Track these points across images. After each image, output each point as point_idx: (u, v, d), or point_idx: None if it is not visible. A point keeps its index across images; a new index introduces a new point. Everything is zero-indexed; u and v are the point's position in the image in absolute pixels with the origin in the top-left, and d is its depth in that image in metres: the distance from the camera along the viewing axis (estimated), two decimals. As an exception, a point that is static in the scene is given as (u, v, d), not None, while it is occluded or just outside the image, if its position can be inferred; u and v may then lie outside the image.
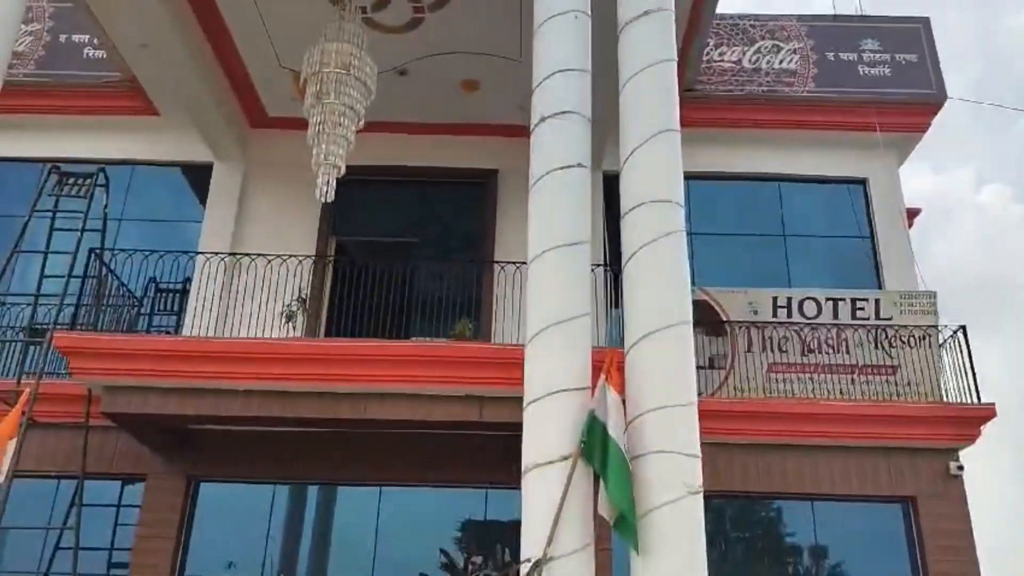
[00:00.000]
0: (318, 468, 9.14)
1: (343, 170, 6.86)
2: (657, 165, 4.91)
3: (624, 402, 4.57)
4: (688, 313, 4.69)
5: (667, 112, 5.04)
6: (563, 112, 5.00)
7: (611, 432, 4.39)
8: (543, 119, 5.03)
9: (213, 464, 9.15)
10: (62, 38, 11.36)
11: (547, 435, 4.42)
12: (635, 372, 4.55)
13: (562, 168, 4.83)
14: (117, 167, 10.57)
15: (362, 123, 7.08)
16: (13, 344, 9.42)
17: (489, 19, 9.11)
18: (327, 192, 6.70)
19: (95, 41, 10.83)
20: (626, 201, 4.93)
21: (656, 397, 4.48)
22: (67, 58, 11.10)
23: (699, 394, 9.10)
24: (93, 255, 8.93)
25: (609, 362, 4.55)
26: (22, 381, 8.31)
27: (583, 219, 4.78)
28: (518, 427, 4.83)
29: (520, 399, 4.83)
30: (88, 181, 9.16)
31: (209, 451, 9.08)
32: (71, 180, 9.16)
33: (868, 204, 10.70)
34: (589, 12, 5.35)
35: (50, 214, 9.01)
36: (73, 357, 8.14)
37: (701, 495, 4.66)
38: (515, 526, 4.75)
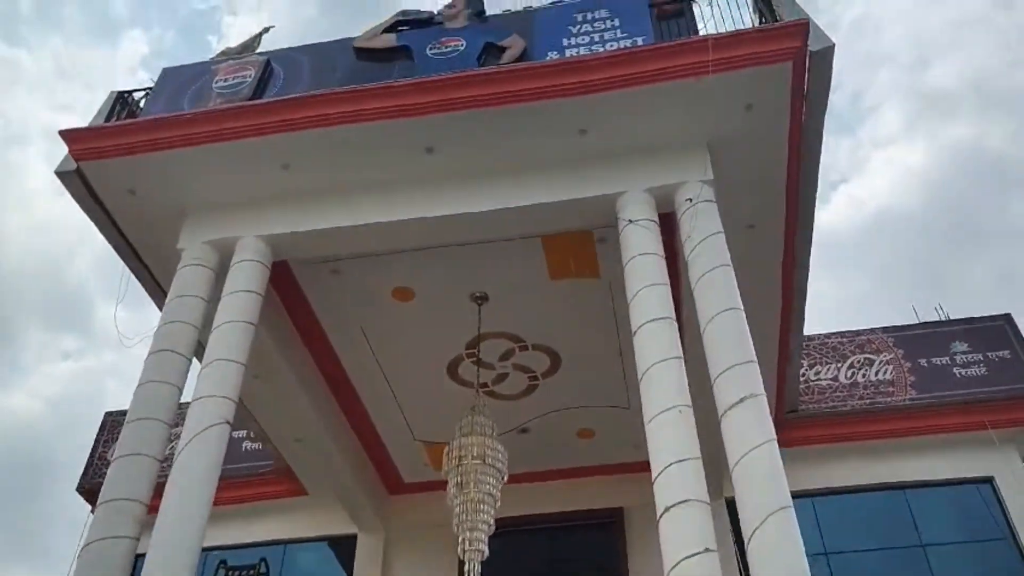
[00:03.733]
0: None
1: (486, 554, 7.51)
2: (779, 544, 5.35)
3: None
4: None
5: (779, 490, 5.57)
6: (685, 501, 5.61)
7: None
8: (667, 509, 5.63)
9: None
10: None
11: None
12: None
13: (689, 556, 5.34)
14: (273, 547, 11.55)
15: (499, 504, 7.84)
16: None
17: (595, 376, 10.15)
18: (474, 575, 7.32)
19: (251, 435, 12.34)
20: (754, 572, 5.34)
21: None
22: (230, 453, 12.54)
23: None
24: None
25: None
26: None
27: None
28: None
29: None
30: (252, 571, 10.02)
31: None
32: (237, 572, 10.05)
33: (1000, 503, 10.53)
34: (690, 404, 6.15)
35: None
36: None
37: None
38: None
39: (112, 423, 13.10)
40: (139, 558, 6.46)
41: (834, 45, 7.21)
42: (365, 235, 7.92)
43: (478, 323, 9.01)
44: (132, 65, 41.72)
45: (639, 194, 7.43)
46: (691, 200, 7.23)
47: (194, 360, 7.44)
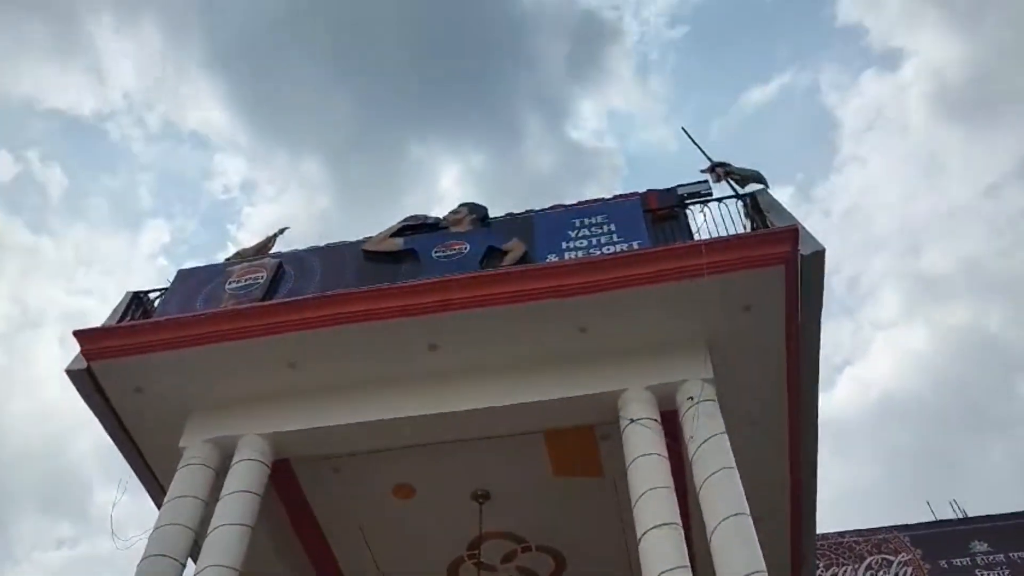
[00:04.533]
0: None
1: None
2: None
3: None
4: None
5: None
6: None
7: None
8: None
9: None
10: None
11: None
12: None
13: None
14: None
15: None
16: None
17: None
18: None
19: None
20: None
21: None
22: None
23: None
24: None
25: None
26: None
27: None
28: None
29: None
30: None
31: None
32: None
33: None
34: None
35: None
36: None
37: None
38: None
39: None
40: None
41: (824, 249, 7.49)
42: (368, 432, 7.93)
43: (479, 522, 8.80)
44: (152, 252, 43.39)
45: (640, 392, 7.48)
46: (693, 399, 7.26)
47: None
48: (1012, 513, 11.48)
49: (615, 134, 45.21)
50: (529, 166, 41.50)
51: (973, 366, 34.46)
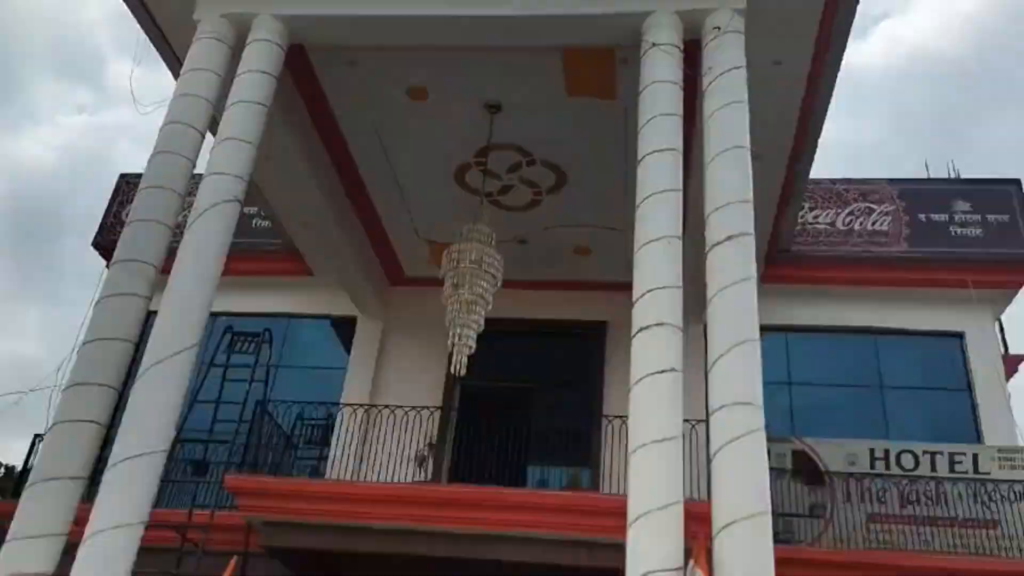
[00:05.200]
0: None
1: (473, 348, 8.07)
2: (738, 371, 5.79)
3: (711, 580, 5.32)
4: (766, 504, 5.44)
5: (748, 324, 5.93)
6: (659, 324, 6.01)
7: (699, 610, 5.13)
8: (641, 329, 6.04)
9: (351, 593, 10.16)
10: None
11: (644, 609, 5.21)
12: (721, 556, 5.33)
13: (655, 373, 5.81)
14: (277, 319, 12.28)
15: (490, 307, 8.32)
16: (183, 481, 10.90)
17: (598, 198, 10.36)
18: (460, 368, 7.92)
19: (262, 213, 12.71)
20: (712, 402, 5.81)
21: (738, 578, 5.22)
22: (240, 227, 12.98)
23: (799, 541, 9.65)
24: (259, 405, 10.36)
25: (699, 546, 5.34)
26: (194, 512, 9.69)
27: (675, 420, 5.70)
28: (620, 572, 5.57)
29: (622, 546, 5.60)
30: (257, 339, 10.72)
31: (347, 581, 10.12)
32: (243, 338, 10.75)
33: (966, 358, 11.10)
34: (680, 236, 6.40)
35: (223, 368, 10.60)
36: (241, 496, 9.46)
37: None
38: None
39: (127, 185, 13.46)
40: (150, 315, 7.02)
41: None
42: (384, 27, 7.81)
43: (489, 132, 9.08)
44: None
45: (667, 16, 7.26)
46: (719, 28, 7.10)
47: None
48: (1000, 179, 11.86)
49: None
50: None
51: (1015, 33, 32.70)
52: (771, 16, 7.48)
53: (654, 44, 7.13)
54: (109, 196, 13.67)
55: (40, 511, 5.75)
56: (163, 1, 8.08)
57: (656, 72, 7.02)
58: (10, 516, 5.85)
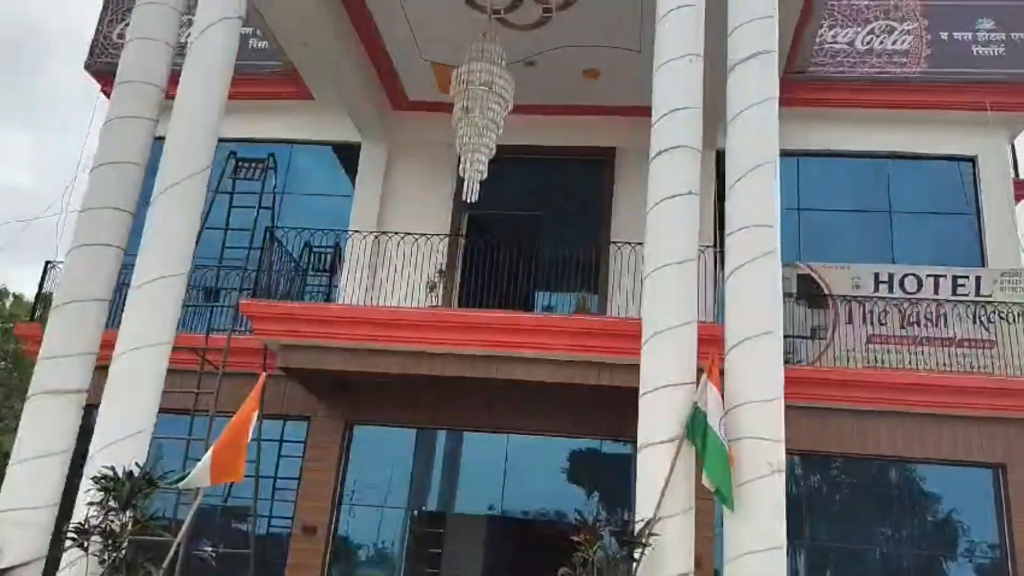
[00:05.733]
0: (454, 417, 10.50)
1: (485, 174, 7.99)
2: (757, 194, 5.78)
3: (723, 395, 5.56)
4: (778, 323, 5.59)
5: (768, 147, 5.86)
6: (679, 146, 5.93)
7: (710, 421, 5.39)
8: (660, 152, 5.97)
9: (367, 410, 10.64)
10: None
11: (658, 421, 5.48)
12: (733, 371, 5.54)
13: (673, 196, 5.80)
14: (279, 145, 12.06)
15: (501, 131, 8.15)
16: (199, 306, 11.11)
17: (610, 16, 9.92)
18: (472, 194, 7.87)
19: (259, 33, 12.19)
20: (730, 224, 5.83)
21: (747, 393, 5.46)
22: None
23: (800, 362, 9.99)
24: (268, 232, 10.39)
25: (711, 362, 5.53)
26: (210, 336, 9.96)
27: (692, 243, 5.75)
28: (632, 391, 5.84)
29: (633, 366, 5.84)
30: (261, 165, 10.59)
31: (363, 399, 10.57)
32: (246, 164, 10.62)
33: (976, 182, 11.03)
34: (701, 53, 6.19)
35: (228, 195, 10.52)
36: (256, 320, 9.67)
37: (783, 472, 5.63)
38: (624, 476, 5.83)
39: (116, 1, 12.81)
40: (157, 140, 6.89)
41: None
42: None
43: (499, -59, 8.56)
44: None
45: None
46: None
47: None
48: (1028, -6, 11.33)
49: None
50: None
51: None
52: None
53: None
54: (98, 13, 13.02)
55: (69, 330, 5.91)
56: None
57: None
58: (33, 339, 6.01)
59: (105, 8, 12.89)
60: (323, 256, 12.04)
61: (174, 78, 6.63)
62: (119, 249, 6.11)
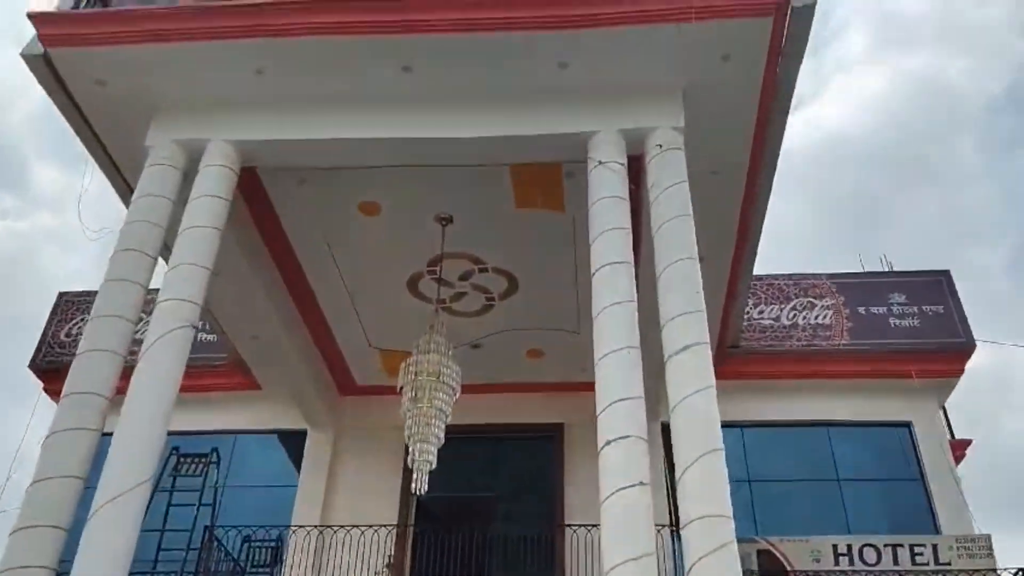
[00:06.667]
0: None
1: (435, 464, 7.93)
2: (706, 482, 5.80)
3: None
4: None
5: (711, 434, 5.99)
6: (625, 436, 6.02)
7: None
8: (608, 442, 6.04)
9: None
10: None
11: None
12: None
13: (624, 488, 5.79)
14: (223, 436, 11.91)
15: (449, 419, 8.22)
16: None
17: (550, 302, 10.49)
18: (421, 485, 7.76)
19: (208, 327, 12.47)
20: (684, 514, 5.79)
21: None
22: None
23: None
24: (207, 531, 9.94)
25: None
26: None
27: (649, 535, 5.66)
28: None
29: None
30: (203, 460, 10.37)
31: None
32: (188, 460, 10.40)
33: (915, 446, 11.32)
34: (638, 345, 6.49)
35: (168, 493, 10.20)
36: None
37: None
38: None
39: (66, 304, 13.12)
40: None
41: (815, 3, 7.29)
42: (336, 149, 7.93)
43: (441, 243, 9.19)
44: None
45: (611, 135, 7.54)
46: (661, 146, 7.39)
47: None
48: (931, 271, 12.40)
49: None
50: None
51: (922, 115, 34.69)
52: (707, 131, 7.84)
53: (600, 162, 7.39)
54: (32, 302, 13.31)
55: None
56: (113, 127, 8.10)
57: (603, 188, 7.24)
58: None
59: (55, 310, 13.16)
60: (265, 551, 11.47)
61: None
62: (51, 570, 5.75)
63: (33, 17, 7.53)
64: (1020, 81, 35.56)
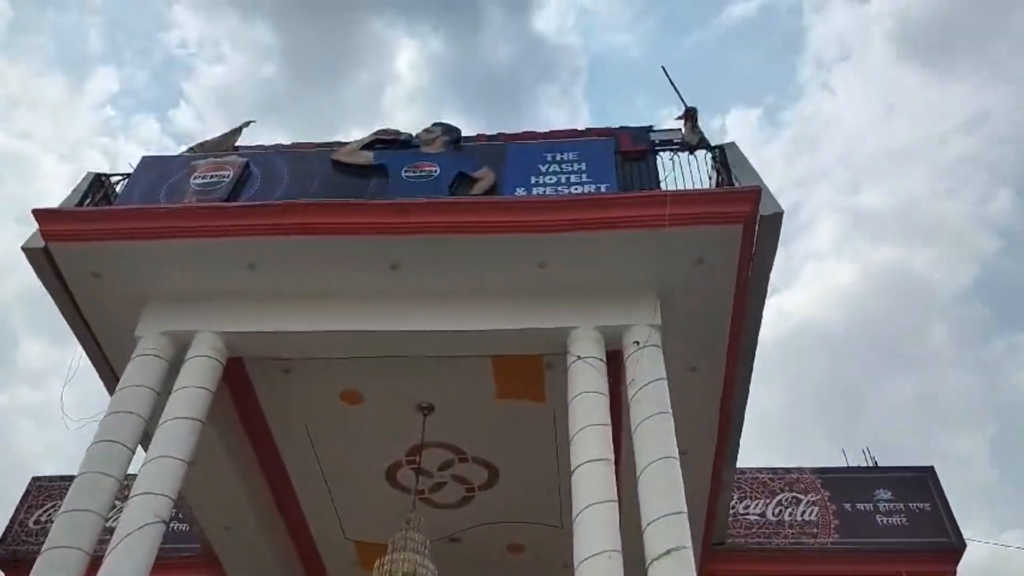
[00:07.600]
0: None
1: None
2: None
3: None
4: None
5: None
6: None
7: None
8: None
9: None
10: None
11: None
12: None
13: None
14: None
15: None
16: None
17: (531, 495, 10.29)
18: None
19: (180, 515, 12.11)
20: None
21: None
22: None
23: None
24: None
25: None
26: None
27: None
28: None
29: None
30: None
31: None
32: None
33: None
34: (619, 548, 6.37)
35: None
36: None
37: None
38: None
39: (39, 489, 12.80)
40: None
41: (783, 212, 7.75)
42: (323, 341, 8.11)
43: (422, 432, 9.16)
44: (99, 100, 42.07)
45: (589, 331, 7.78)
46: (638, 343, 7.59)
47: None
48: (916, 467, 12.36)
49: (580, 31, 44.07)
50: (488, 55, 40.67)
51: (893, 305, 35.61)
52: (684, 329, 8.09)
53: (579, 357, 7.57)
54: (3, 479, 12.95)
55: None
56: (104, 317, 8.29)
57: (582, 383, 7.38)
58: None
59: (26, 494, 12.82)
60: None
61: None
62: None
63: (38, 214, 7.88)
64: (985, 275, 36.88)
